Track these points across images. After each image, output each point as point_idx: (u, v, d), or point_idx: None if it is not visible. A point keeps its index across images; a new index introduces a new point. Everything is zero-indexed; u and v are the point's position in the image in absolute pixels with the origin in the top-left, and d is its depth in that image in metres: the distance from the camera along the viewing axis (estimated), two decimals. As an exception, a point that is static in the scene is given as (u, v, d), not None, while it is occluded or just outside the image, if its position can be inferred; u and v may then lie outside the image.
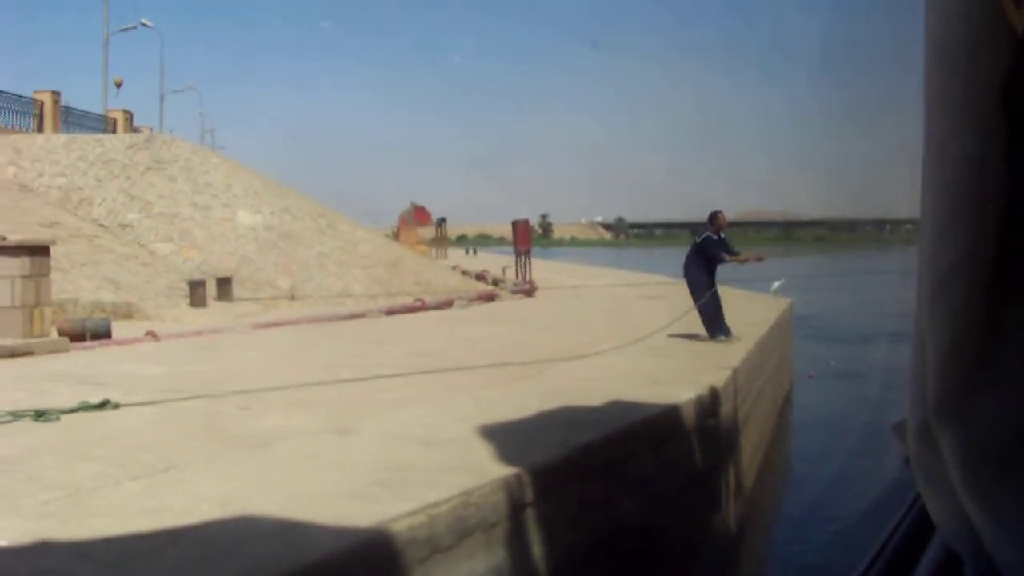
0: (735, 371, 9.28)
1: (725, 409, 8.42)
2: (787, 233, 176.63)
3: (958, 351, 0.77)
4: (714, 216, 12.39)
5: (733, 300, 12.33)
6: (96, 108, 36.03)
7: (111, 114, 35.40)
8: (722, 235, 12.27)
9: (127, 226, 21.33)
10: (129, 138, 26.38)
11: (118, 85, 42.24)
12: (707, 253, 12.11)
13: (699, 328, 11.91)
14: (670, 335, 11.84)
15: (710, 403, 7.88)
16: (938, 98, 0.81)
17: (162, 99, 50.28)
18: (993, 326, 0.74)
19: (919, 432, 0.83)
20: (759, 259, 13.19)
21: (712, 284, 12.06)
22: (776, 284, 16.80)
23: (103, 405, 7.02)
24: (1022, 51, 0.69)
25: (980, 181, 0.75)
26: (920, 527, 1.08)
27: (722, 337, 11.71)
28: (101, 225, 21.20)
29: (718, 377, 8.60)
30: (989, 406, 0.74)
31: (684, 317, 12.05)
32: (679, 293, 13.37)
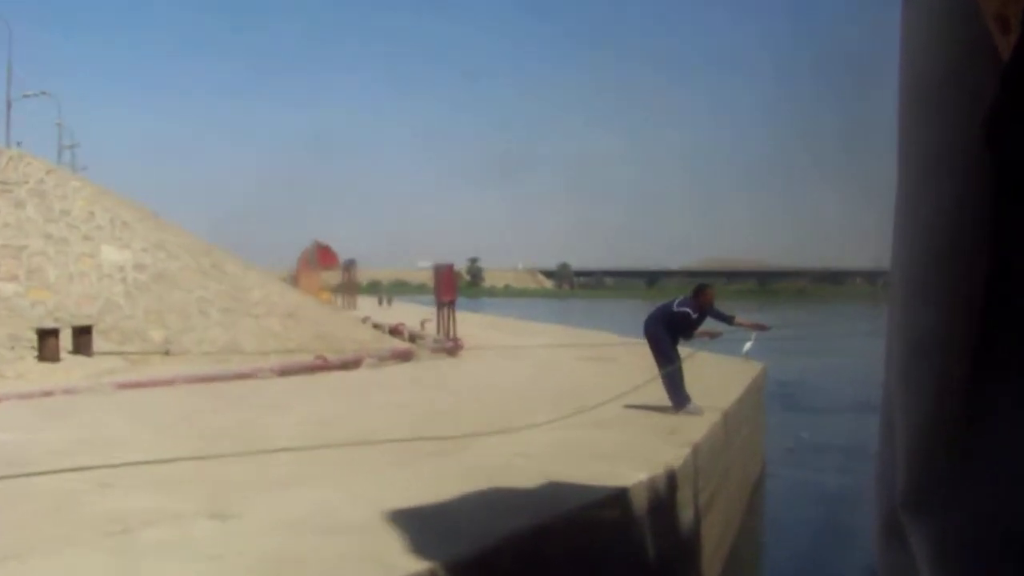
0: (696, 448, 9.34)
1: (683, 493, 8.51)
2: (762, 285, 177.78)
3: (932, 434, 0.76)
4: (701, 291, 12.02)
5: (697, 364, 12.34)
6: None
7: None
8: (713, 309, 11.98)
9: (-37, 261, 20.87)
10: (-32, 154, 25.90)
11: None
12: (677, 326, 11.92)
13: (659, 397, 11.83)
14: (626, 405, 11.83)
15: (666, 486, 7.94)
16: (912, 138, 0.81)
17: (9, 105, 48.92)
18: (973, 405, 0.73)
19: (886, 525, 0.82)
20: (762, 328, 12.94)
21: (675, 349, 11.91)
22: (747, 345, 16.78)
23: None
24: (1006, 82, 0.68)
25: (959, 232, 0.74)
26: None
27: (690, 407, 11.63)
28: (-70, 259, 20.71)
29: (675, 455, 8.68)
30: (966, 499, 0.73)
31: (640, 383, 12.04)
32: (634, 355, 13.40)
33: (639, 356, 12.82)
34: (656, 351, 12.04)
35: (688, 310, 11.90)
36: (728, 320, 12.22)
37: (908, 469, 0.78)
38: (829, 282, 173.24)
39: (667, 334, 11.93)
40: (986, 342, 0.72)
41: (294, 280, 42.49)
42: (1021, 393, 0.72)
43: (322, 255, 46.86)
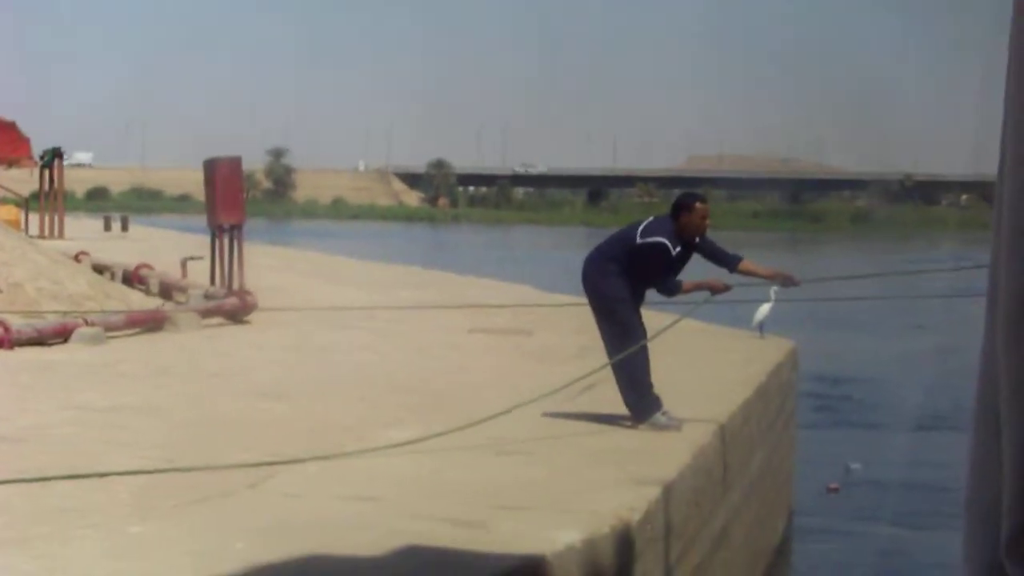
0: (668, 489, 8.78)
1: (646, 566, 8.07)
2: (794, 205, 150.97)
3: None
4: (687, 204, 10.34)
5: (677, 340, 11.29)
6: None
7: None
8: (708, 240, 10.47)
9: None
10: None
11: None
12: (646, 269, 10.33)
13: (607, 400, 10.66)
14: (546, 414, 10.72)
15: (614, 555, 7.49)
16: None
17: None
18: None
19: None
20: (790, 281, 11.32)
21: (639, 313, 10.41)
22: (763, 310, 15.23)
23: None
24: None
25: None
26: None
27: (661, 418, 10.21)
28: None
29: (631, 502, 8.13)
30: None
31: (574, 376, 11.12)
32: (564, 325, 13.81)
33: (574, 326, 12.96)
34: (603, 317, 10.57)
35: (664, 240, 10.14)
36: (731, 263, 10.51)
37: (1018, 495, 0.74)
38: (907, 200, 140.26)
39: (625, 286, 10.39)
40: None
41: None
42: None
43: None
